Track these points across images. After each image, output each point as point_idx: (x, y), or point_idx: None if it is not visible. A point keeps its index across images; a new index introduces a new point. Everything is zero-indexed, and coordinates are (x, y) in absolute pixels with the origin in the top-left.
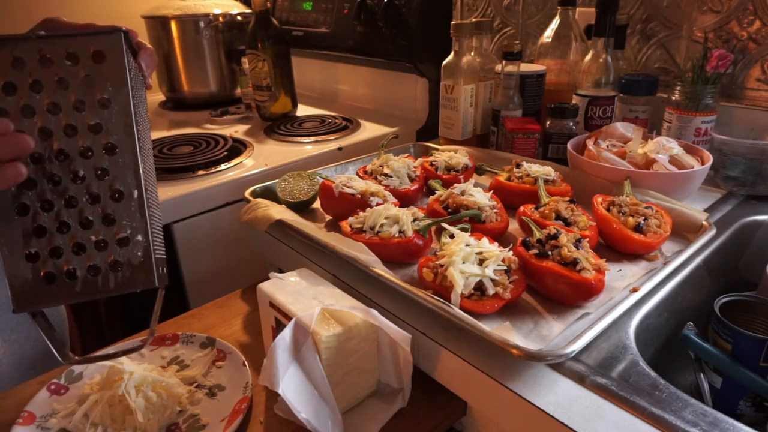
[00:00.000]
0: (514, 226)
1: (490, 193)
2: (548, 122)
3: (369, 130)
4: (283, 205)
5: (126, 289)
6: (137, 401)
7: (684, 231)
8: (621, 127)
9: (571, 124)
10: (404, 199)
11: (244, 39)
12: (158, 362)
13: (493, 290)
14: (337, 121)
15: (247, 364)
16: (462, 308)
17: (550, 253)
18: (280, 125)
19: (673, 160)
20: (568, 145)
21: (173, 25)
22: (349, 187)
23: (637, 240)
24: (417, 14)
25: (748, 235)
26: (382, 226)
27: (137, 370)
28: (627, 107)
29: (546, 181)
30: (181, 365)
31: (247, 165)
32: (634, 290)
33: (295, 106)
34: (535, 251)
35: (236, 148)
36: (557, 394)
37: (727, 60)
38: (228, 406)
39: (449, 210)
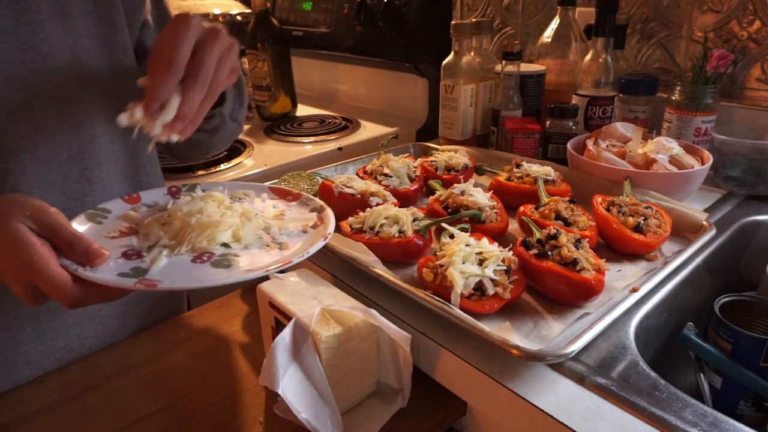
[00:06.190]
0: (514, 226)
1: (490, 193)
2: (548, 122)
3: (369, 130)
4: None
5: None
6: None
7: (684, 231)
8: (621, 127)
9: (571, 124)
10: (404, 199)
11: (244, 39)
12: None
13: (493, 290)
14: (337, 121)
15: (328, 238)
16: (462, 308)
17: (550, 253)
18: (280, 125)
19: (673, 160)
20: (568, 145)
21: None
22: (349, 187)
23: (637, 240)
24: (417, 14)
25: (748, 235)
26: (382, 226)
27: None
28: (627, 107)
29: (546, 181)
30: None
31: (247, 165)
32: (634, 290)
33: (294, 106)
34: (535, 251)
35: (236, 148)
36: (557, 394)
37: (727, 60)
38: (266, 261)
39: (449, 210)
